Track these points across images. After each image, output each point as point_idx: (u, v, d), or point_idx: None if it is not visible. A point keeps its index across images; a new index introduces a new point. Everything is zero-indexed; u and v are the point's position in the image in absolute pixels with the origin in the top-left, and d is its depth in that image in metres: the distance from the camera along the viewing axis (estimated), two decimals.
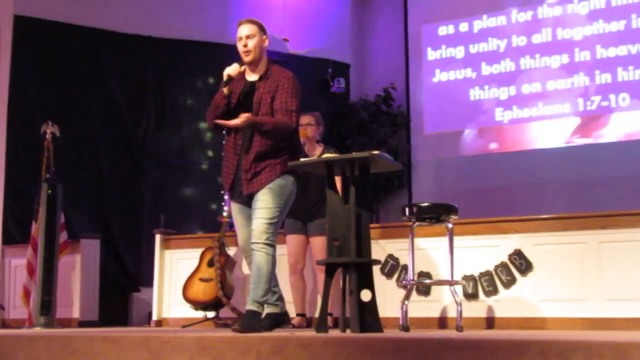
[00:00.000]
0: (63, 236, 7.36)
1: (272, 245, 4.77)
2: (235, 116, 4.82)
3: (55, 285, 7.06)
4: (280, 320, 5.13)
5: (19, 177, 8.55)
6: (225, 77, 4.89)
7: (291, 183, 4.91)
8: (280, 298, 5.16)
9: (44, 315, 6.92)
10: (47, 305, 6.95)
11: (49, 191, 7.16)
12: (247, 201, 4.92)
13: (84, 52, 9.08)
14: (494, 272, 5.89)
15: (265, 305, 4.88)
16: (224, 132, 5.11)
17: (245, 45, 4.92)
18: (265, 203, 4.77)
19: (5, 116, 8.66)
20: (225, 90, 4.89)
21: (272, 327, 4.97)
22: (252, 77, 5.00)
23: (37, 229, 7.18)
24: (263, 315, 4.85)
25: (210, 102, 5.01)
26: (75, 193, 8.52)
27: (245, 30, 4.95)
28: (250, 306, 4.70)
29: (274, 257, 4.79)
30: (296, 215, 6.10)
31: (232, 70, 4.92)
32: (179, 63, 9.68)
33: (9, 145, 8.61)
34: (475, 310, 5.85)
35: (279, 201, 4.81)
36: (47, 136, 7.39)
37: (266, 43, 5.01)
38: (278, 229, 4.90)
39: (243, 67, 4.98)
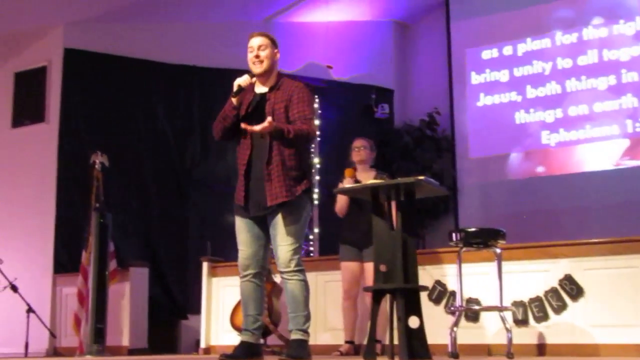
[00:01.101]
0: (112, 264, 7.45)
1: (302, 270, 4.67)
2: (241, 129, 4.69)
3: (106, 314, 7.13)
4: (255, 350, 4.78)
5: (69, 206, 8.72)
6: (235, 87, 4.77)
7: (309, 204, 4.77)
8: (259, 328, 4.83)
9: (97, 344, 6.97)
10: (100, 333, 7.01)
11: (100, 220, 7.26)
12: (257, 219, 4.71)
13: (131, 83, 9.25)
14: (544, 298, 5.80)
15: (242, 333, 4.74)
16: (238, 140, 4.89)
17: (257, 56, 4.78)
18: (287, 229, 4.59)
19: (56, 147, 8.85)
20: (234, 100, 4.76)
21: (245, 357, 4.68)
22: (261, 89, 4.85)
23: (88, 257, 7.28)
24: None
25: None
26: (123, 222, 8.64)
27: (257, 41, 4.82)
28: (295, 335, 4.63)
29: (306, 281, 4.69)
30: (352, 242, 6.11)
31: (242, 80, 4.77)
32: (223, 91, 9.75)
33: (60, 175, 8.78)
34: (525, 336, 5.76)
35: (302, 225, 4.67)
36: (97, 166, 7.49)
37: (277, 56, 4.88)
38: (302, 251, 4.77)
39: (254, 79, 4.84)
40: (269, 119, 4.51)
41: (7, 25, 8.85)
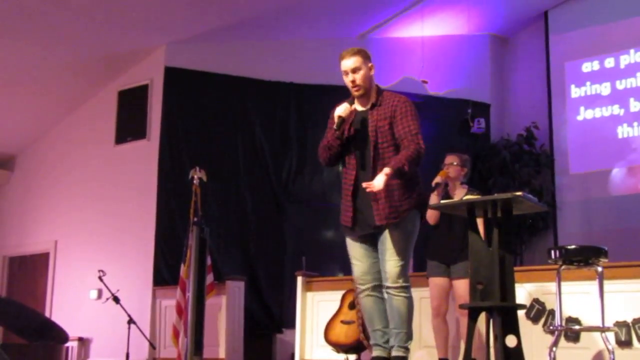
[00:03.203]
0: (210, 278, 7.57)
1: (409, 287, 4.63)
2: (349, 149, 4.67)
3: (203, 326, 7.25)
4: None
5: (169, 220, 8.95)
6: (336, 119, 4.64)
7: (417, 219, 4.71)
8: (389, 341, 4.75)
9: (196, 356, 7.09)
10: (199, 346, 7.13)
11: (198, 234, 7.39)
12: (366, 238, 4.70)
13: (229, 100, 9.44)
14: None
15: (374, 348, 4.72)
16: (340, 167, 4.90)
17: (354, 81, 4.68)
18: (397, 244, 4.55)
19: (157, 163, 9.10)
20: (337, 133, 4.65)
21: None
22: (362, 107, 4.74)
23: (186, 270, 7.42)
24: None
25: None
26: (220, 236, 8.81)
27: (349, 63, 4.67)
28: (397, 352, 4.60)
29: (411, 299, 4.65)
30: (440, 258, 6.03)
31: (342, 111, 4.64)
32: (319, 107, 9.81)
33: (160, 190, 9.03)
34: (629, 358, 5.55)
35: (410, 241, 4.63)
36: (195, 181, 7.63)
37: (372, 71, 4.72)
38: (410, 267, 4.72)
39: (353, 106, 4.73)
40: (379, 178, 4.37)
41: (112, 46, 9.19)
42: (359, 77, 4.68)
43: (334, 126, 4.65)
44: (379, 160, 4.60)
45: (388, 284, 4.60)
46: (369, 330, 4.84)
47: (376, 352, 4.71)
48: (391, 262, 4.57)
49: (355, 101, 4.78)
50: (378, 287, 4.71)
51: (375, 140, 4.63)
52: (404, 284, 4.59)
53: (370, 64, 4.73)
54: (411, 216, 4.64)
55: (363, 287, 4.74)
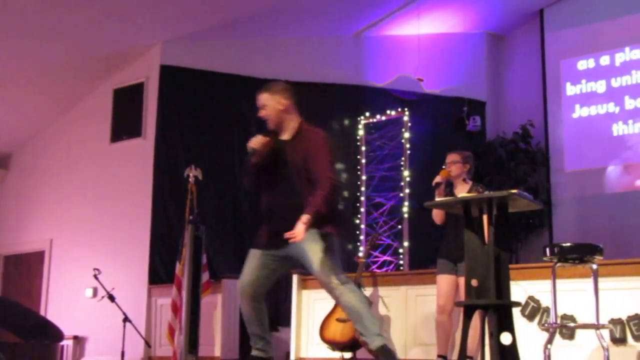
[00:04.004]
0: (205, 276, 7.56)
1: (347, 282, 4.74)
2: (272, 174, 4.88)
3: (199, 324, 7.25)
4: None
5: (164, 219, 8.94)
6: (249, 150, 4.91)
7: (334, 246, 4.80)
8: (268, 343, 5.04)
9: (191, 354, 7.09)
10: (194, 344, 7.13)
11: (194, 233, 7.39)
12: (272, 256, 4.89)
13: (225, 98, 9.43)
14: None
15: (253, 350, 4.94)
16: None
17: (263, 115, 4.99)
18: (314, 252, 4.69)
19: (152, 161, 9.10)
20: (253, 161, 4.89)
21: None
22: (284, 136, 5.00)
23: (181, 269, 7.42)
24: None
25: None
26: (216, 234, 8.80)
27: (259, 100, 5.02)
28: (376, 343, 4.66)
29: (356, 290, 4.79)
30: (447, 256, 6.04)
31: (254, 143, 4.91)
32: (315, 105, 9.84)
33: (156, 188, 9.02)
34: (623, 356, 5.56)
35: (324, 250, 4.71)
36: (191, 179, 7.63)
37: (282, 104, 4.96)
38: (339, 270, 4.79)
39: (267, 138, 4.94)
40: (299, 227, 4.56)
41: (107, 44, 9.18)
42: (264, 112, 4.97)
43: (248, 156, 4.91)
44: (292, 188, 4.80)
45: (327, 288, 4.75)
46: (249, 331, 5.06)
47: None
48: (317, 268, 4.69)
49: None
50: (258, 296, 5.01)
51: (291, 170, 4.84)
52: (340, 282, 4.70)
53: (279, 98, 4.98)
54: (327, 240, 4.74)
55: (244, 298, 5.05)
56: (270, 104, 4.98)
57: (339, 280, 4.72)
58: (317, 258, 4.70)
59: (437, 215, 6.13)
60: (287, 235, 4.60)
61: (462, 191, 6.05)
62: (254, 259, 4.97)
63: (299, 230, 4.57)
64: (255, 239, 5.01)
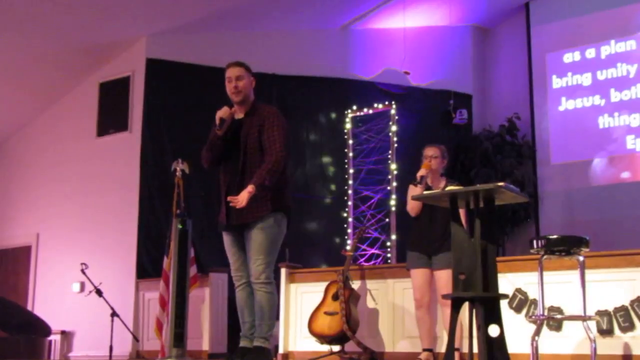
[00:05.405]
0: (193, 270, 7.54)
1: (271, 282, 5.15)
2: (229, 151, 5.18)
3: (186, 318, 7.23)
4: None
5: (151, 213, 8.92)
6: (217, 121, 5.17)
7: (282, 221, 5.20)
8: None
9: (177, 348, 7.08)
10: (180, 338, 7.11)
11: (180, 226, 7.37)
12: (238, 233, 5.21)
13: (211, 92, 9.33)
14: (630, 307, 5.63)
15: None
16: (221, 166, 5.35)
17: (236, 87, 5.23)
18: (259, 245, 5.08)
19: (139, 155, 9.07)
20: (219, 132, 5.16)
21: None
22: (238, 115, 5.27)
23: (169, 263, 7.40)
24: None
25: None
26: (203, 228, 8.78)
27: (234, 72, 5.29)
28: (257, 342, 5.11)
29: (273, 293, 5.18)
30: (421, 249, 6.04)
31: (222, 113, 5.19)
32: (301, 99, 9.85)
33: (142, 182, 8.99)
34: (610, 347, 5.60)
35: (272, 242, 5.13)
36: (178, 173, 7.61)
37: (253, 83, 5.33)
38: (273, 265, 5.21)
39: (234, 109, 5.25)
40: (243, 194, 4.90)
41: (92, 37, 9.13)
42: (241, 84, 5.26)
43: (216, 126, 5.17)
44: (247, 164, 5.13)
45: (252, 279, 5.12)
46: (240, 321, 5.35)
47: (242, 343, 5.27)
48: (254, 261, 5.10)
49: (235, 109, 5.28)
50: (250, 283, 5.23)
51: (245, 145, 5.16)
52: (265, 281, 5.09)
53: (252, 78, 5.34)
54: (276, 219, 5.14)
55: (237, 283, 5.31)
56: (245, 78, 5.28)
57: (267, 278, 5.10)
58: (258, 252, 5.07)
59: (414, 208, 6.13)
60: (229, 198, 4.95)
61: (440, 185, 6.07)
62: (228, 244, 5.32)
63: (242, 198, 4.87)
64: (217, 220, 5.31)
